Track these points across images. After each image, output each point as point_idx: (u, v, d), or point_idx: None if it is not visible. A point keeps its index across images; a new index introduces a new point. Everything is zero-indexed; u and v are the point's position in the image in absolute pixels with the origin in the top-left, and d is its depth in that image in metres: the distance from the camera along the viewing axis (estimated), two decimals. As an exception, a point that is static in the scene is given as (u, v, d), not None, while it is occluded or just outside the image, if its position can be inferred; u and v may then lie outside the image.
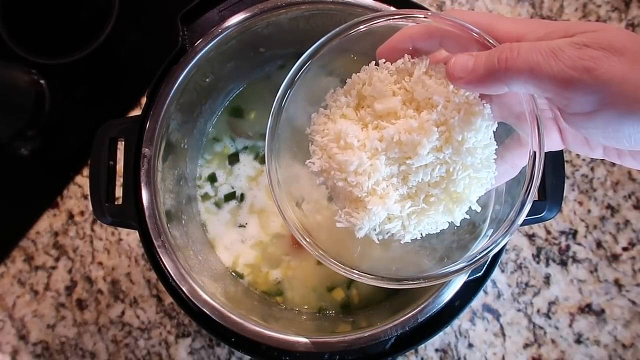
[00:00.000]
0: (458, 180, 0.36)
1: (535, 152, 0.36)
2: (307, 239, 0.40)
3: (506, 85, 0.32)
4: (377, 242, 0.39)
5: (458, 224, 0.39)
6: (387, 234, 0.39)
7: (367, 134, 0.37)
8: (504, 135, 0.39)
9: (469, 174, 0.37)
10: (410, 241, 0.39)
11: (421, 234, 0.39)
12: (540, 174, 0.36)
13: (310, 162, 0.39)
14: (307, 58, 0.39)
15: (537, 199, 0.52)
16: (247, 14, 0.54)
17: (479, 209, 0.39)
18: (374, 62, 0.39)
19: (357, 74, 0.39)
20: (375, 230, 0.38)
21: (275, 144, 0.41)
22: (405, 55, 0.38)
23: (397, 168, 0.37)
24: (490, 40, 0.34)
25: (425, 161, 0.36)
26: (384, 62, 0.38)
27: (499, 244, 0.38)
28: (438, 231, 0.39)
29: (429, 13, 0.36)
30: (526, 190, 0.37)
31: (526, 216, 0.48)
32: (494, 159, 0.38)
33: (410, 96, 0.37)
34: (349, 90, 0.39)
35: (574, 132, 0.36)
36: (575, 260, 0.65)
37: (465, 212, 0.39)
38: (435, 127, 0.35)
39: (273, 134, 0.40)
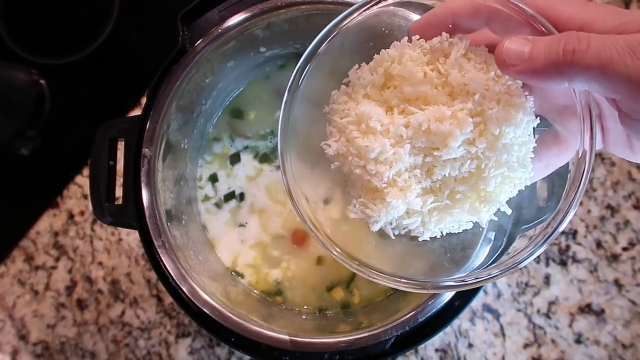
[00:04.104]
0: (489, 178, 0.33)
1: (585, 152, 0.31)
2: (317, 230, 0.36)
3: (568, 80, 0.28)
4: (393, 238, 0.36)
5: (484, 226, 0.36)
6: (403, 229, 0.35)
7: (392, 119, 0.33)
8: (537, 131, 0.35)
9: (502, 172, 0.33)
10: (428, 239, 0.36)
11: (442, 233, 0.36)
12: (588, 177, 0.32)
13: (326, 143, 0.36)
14: (337, 22, 0.35)
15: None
16: (247, 14, 0.54)
17: (509, 212, 0.35)
18: (406, 38, 0.35)
19: (387, 50, 0.35)
20: (391, 224, 0.35)
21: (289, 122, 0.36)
22: (443, 34, 0.34)
23: (421, 159, 0.33)
24: (549, 27, 0.30)
25: (454, 154, 0.32)
26: (418, 39, 0.34)
27: (535, 253, 0.33)
28: (460, 231, 0.36)
29: None
30: (573, 195, 0.32)
31: (531, 221, 0.47)
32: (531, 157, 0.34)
33: (444, 80, 0.33)
34: (375, 67, 0.35)
35: (620, 133, 0.33)
36: (575, 260, 0.65)
37: (494, 214, 0.35)
38: (469, 118, 0.31)
39: (289, 110, 0.36)
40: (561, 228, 0.33)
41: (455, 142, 0.31)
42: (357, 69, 0.36)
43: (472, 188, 0.33)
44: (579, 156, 0.32)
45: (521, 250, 0.34)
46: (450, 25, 0.33)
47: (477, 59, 0.33)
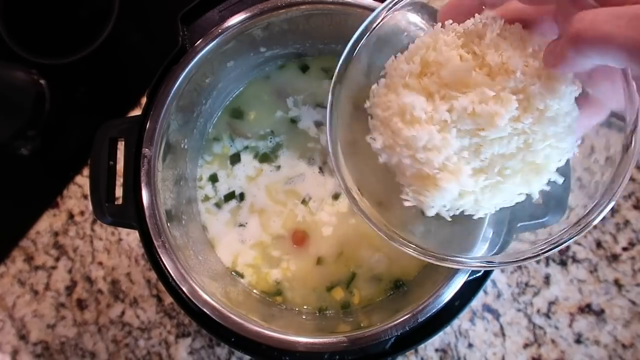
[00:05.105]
0: (538, 151, 0.33)
1: (638, 113, 0.31)
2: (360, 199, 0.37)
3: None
4: (449, 220, 0.36)
5: (537, 196, 0.36)
6: (457, 210, 0.36)
7: (435, 105, 0.33)
8: None
9: (549, 144, 0.33)
10: (483, 216, 0.37)
11: (495, 208, 0.37)
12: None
13: (371, 138, 0.36)
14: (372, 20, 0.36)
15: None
16: (247, 14, 0.54)
17: (560, 181, 0.36)
18: (439, 25, 0.35)
19: (421, 38, 0.35)
20: (445, 207, 0.36)
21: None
22: (476, 15, 0.34)
23: (468, 140, 0.34)
24: None
25: (502, 133, 0.32)
26: (451, 24, 0.35)
27: (583, 231, 0.34)
28: (513, 204, 0.37)
29: None
30: (625, 166, 0.32)
31: (529, 221, 0.48)
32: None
33: (481, 61, 0.33)
34: (411, 57, 0.35)
35: None
36: (575, 260, 0.65)
37: (546, 184, 0.36)
38: (513, 96, 0.32)
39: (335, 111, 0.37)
40: (614, 201, 0.33)
41: (502, 121, 0.32)
42: (393, 60, 0.36)
43: (522, 161, 0.34)
44: (631, 120, 0.32)
45: (562, 232, 0.35)
46: (482, 6, 0.34)
47: (512, 37, 0.33)
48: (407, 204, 0.36)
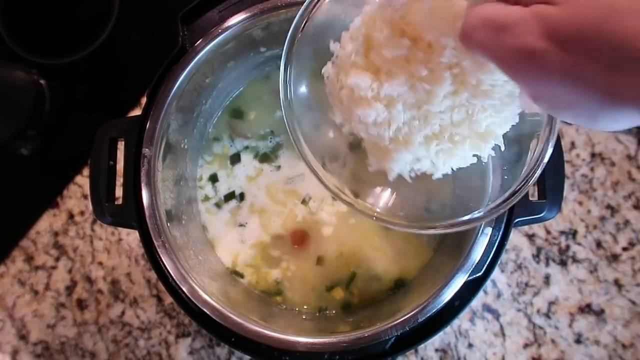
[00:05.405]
0: (480, 120, 0.35)
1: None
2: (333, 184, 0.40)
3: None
4: (410, 181, 0.39)
5: (486, 160, 0.39)
6: (418, 171, 0.39)
7: (380, 81, 0.35)
8: None
9: (490, 114, 0.35)
10: (441, 176, 0.39)
11: (452, 169, 0.39)
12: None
13: (332, 113, 0.39)
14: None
15: (536, 199, 0.52)
16: (247, 14, 0.54)
17: (503, 147, 0.38)
18: (377, 2, 0.36)
19: (360, 16, 0.37)
20: (407, 170, 0.39)
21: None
22: None
23: (416, 111, 0.35)
24: None
25: (441, 107, 0.34)
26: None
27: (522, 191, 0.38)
28: (468, 165, 0.39)
29: None
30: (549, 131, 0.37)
31: (526, 216, 0.50)
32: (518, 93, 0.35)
33: (419, 36, 0.34)
34: (353, 35, 0.37)
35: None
36: (575, 260, 0.65)
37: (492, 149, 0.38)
38: (447, 72, 0.33)
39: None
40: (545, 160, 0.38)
41: (437, 99, 0.33)
42: (338, 42, 0.38)
43: (468, 128, 0.36)
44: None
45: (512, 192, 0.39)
46: None
47: (444, 12, 0.33)
48: (370, 169, 0.39)
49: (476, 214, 0.40)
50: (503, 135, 0.38)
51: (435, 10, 0.33)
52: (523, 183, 0.39)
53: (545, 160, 0.39)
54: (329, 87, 0.38)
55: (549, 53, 0.24)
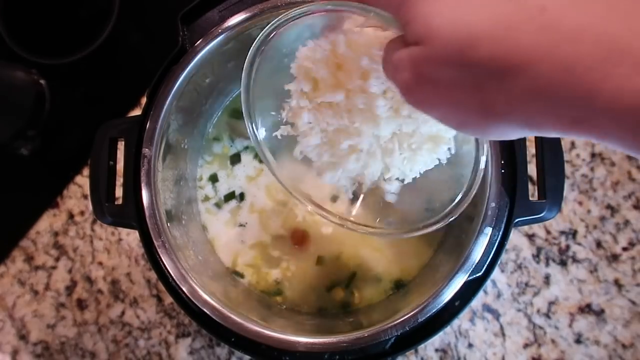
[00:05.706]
0: (424, 132, 0.39)
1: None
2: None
3: None
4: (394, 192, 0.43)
5: (445, 162, 0.41)
6: (392, 178, 0.42)
7: (322, 115, 0.39)
8: None
9: (433, 123, 0.38)
10: (412, 180, 0.42)
11: (420, 172, 0.42)
12: None
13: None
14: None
15: (536, 199, 0.52)
16: (247, 14, 0.54)
17: (453, 151, 0.41)
18: (311, 41, 0.39)
19: (297, 61, 0.39)
20: (385, 181, 0.43)
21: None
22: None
23: (372, 139, 0.39)
24: None
25: (386, 132, 0.38)
26: (316, 40, 0.38)
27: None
28: (432, 166, 0.42)
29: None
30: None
31: (526, 216, 0.51)
32: None
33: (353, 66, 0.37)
34: (300, 78, 0.40)
35: None
36: (575, 260, 0.65)
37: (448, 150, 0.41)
38: (381, 100, 0.36)
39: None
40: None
41: (382, 124, 0.37)
42: (290, 83, 0.41)
43: (420, 138, 0.39)
44: None
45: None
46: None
47: (361, 38, 0.36)
48: (339, 183, 0.43)
49: (432, 220, 0.42)
50: (453, 138, 0.40)
51: (350, 43, 0.36)
52: (468, 190, 0.42)
53: (482, 166, 0.41)
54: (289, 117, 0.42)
55: (424, 85, 0.28)
